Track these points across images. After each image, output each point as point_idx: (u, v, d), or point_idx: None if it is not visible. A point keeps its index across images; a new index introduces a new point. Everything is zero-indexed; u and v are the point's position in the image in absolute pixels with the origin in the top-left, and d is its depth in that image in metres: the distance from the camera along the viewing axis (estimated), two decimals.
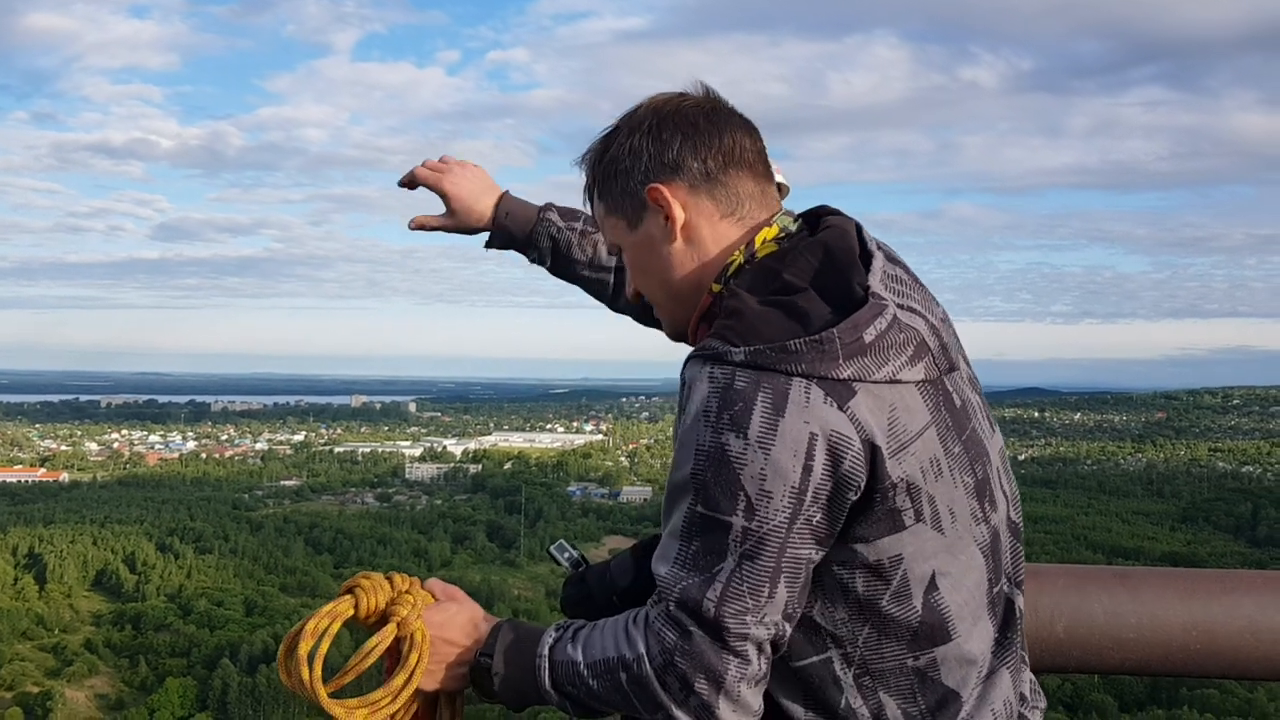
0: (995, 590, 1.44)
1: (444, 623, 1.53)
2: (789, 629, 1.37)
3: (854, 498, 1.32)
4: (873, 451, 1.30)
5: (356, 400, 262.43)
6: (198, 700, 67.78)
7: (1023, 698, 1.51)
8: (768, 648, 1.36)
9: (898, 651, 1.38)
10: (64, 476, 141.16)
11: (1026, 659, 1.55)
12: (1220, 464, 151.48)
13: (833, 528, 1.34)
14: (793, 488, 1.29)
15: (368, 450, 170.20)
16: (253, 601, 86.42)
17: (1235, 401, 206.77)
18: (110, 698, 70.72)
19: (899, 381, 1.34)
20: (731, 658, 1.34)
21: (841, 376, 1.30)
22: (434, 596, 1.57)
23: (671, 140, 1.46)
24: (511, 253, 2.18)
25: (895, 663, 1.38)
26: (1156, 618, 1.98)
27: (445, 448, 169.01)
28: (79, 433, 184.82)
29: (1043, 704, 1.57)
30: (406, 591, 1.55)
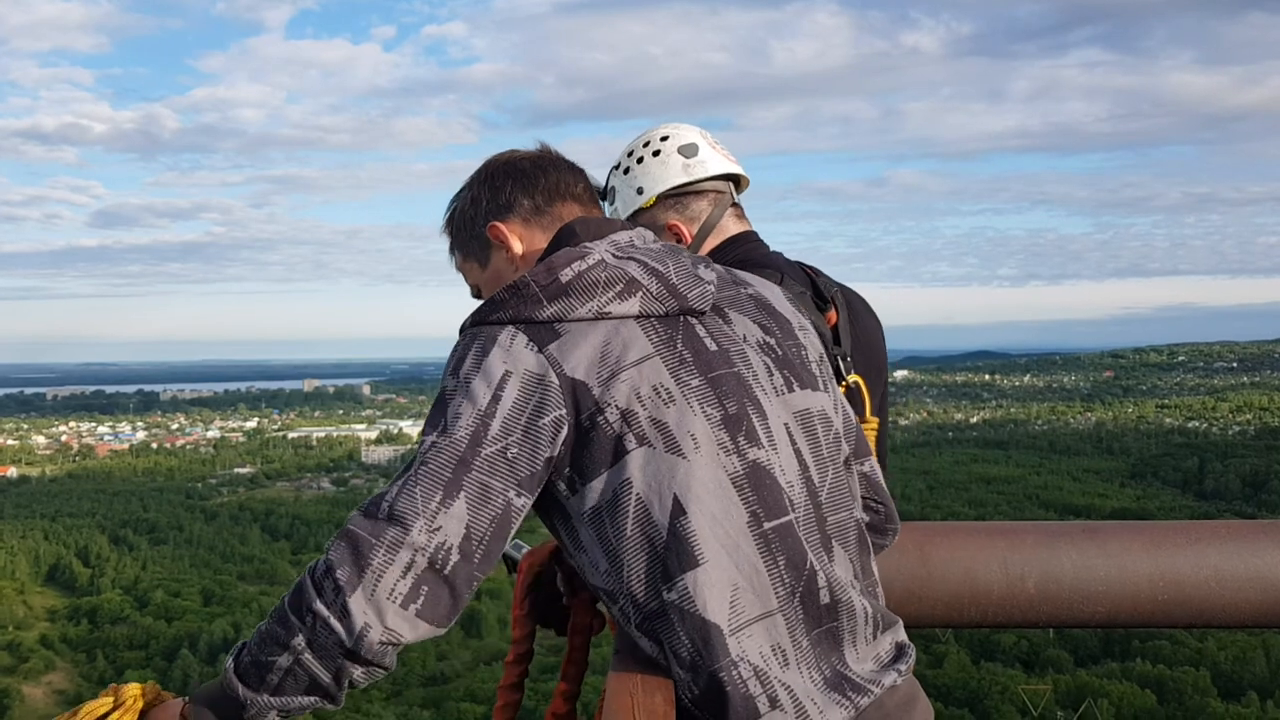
0: (765, 530, 1.44)
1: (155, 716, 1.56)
2: (464, 571, 1.38)
3: (565, 434, 1.42)
4: (574, 385, 1.42)
5: (309, 384, 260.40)
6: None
7: (835, 674, 1.46)
8: (423, 562, 1.35)
9: (654, 586, 1.42)
10: (12, 471, 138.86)
11: (846, 631, 1.49)
12: (1167, 420, 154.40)
13: (534, 466, 1.41)
14: (479, 410, 1.40)
15: (322, 435, 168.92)
16: (210, 591, 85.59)
17: (1180, 358, 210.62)
18: (69, 693, 69.81)
19: (608, 315, 1.46)
20: (381, 549, 1.35)
21: (543, 317, 1.45)
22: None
23: (504, 185, 1.70)
24: None
25: (655, 600, 1.42)
26: (1124, 570, 2.02)
27: (401, 429, 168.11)
28: (25, 426, 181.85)
29: (879, 688, 1.48)
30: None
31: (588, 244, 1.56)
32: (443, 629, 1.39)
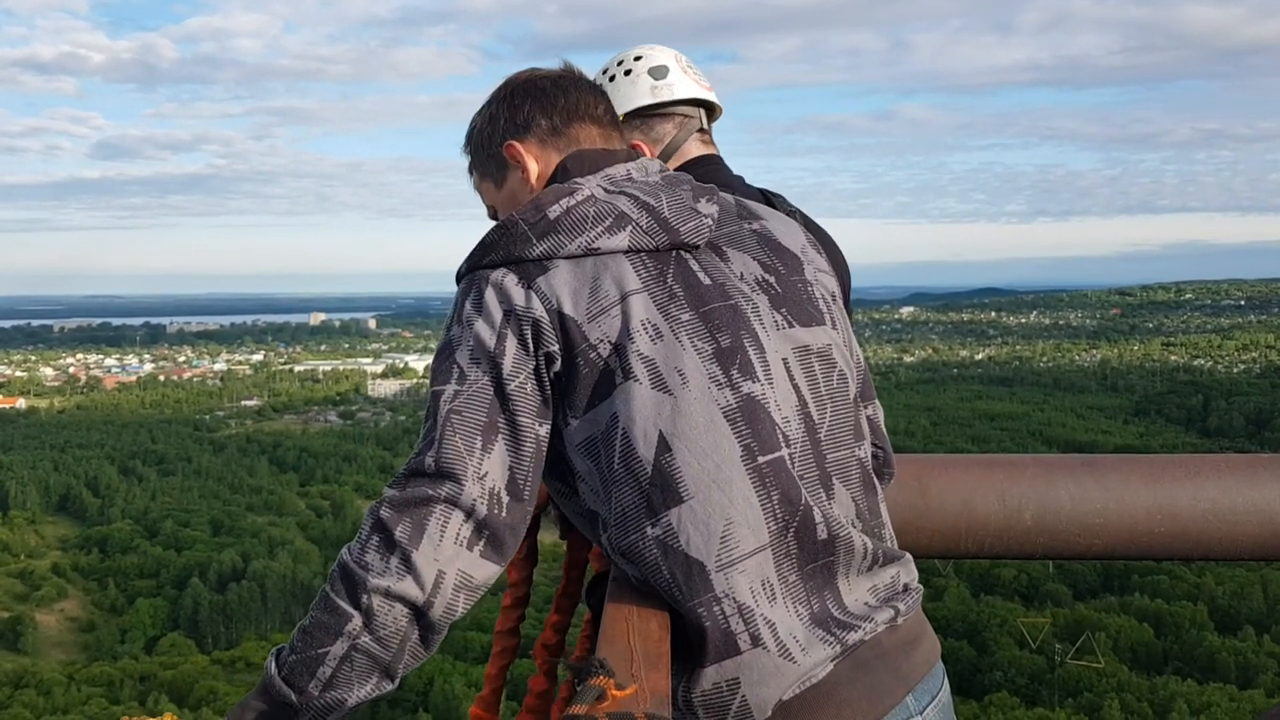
0: (759, 464, 1.43)
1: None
2: (518, 511, 1.42)
3: (557, 367, 1.44)
4: (562, 320, 1.42)
5: (315, 318, 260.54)
6: (169, 619, 68.22)
7: (822, 614, 1.43)
8: (482, 510, 1.38)
9: (639, 521, 1.41)
10: (20, 403, 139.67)
11: (841, 566, 1.46)
12: (1173, 358, 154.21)
13: (544, 395, 1.44)
14: (490, 353, 1.42)
15: (328, 368, 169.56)
16: (219, 521, 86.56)
17: (1188, 296, 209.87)
18: (81, 620, 70.98)
19: (597, 251, 1.46)
20: (439, 504, 1.37)
21: (533, 255, 1.46)
22: None
23: (522, 104, 1.66)
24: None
25: (637, 535, 1.41)
26: (1122, 503, 2.03)
27: (407, 364, 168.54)
28: (33, 358, 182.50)
29: (870, 623, 1.45)
30: None
31: (578, 180, 1.54)
32: (504, 565, 1.43)
